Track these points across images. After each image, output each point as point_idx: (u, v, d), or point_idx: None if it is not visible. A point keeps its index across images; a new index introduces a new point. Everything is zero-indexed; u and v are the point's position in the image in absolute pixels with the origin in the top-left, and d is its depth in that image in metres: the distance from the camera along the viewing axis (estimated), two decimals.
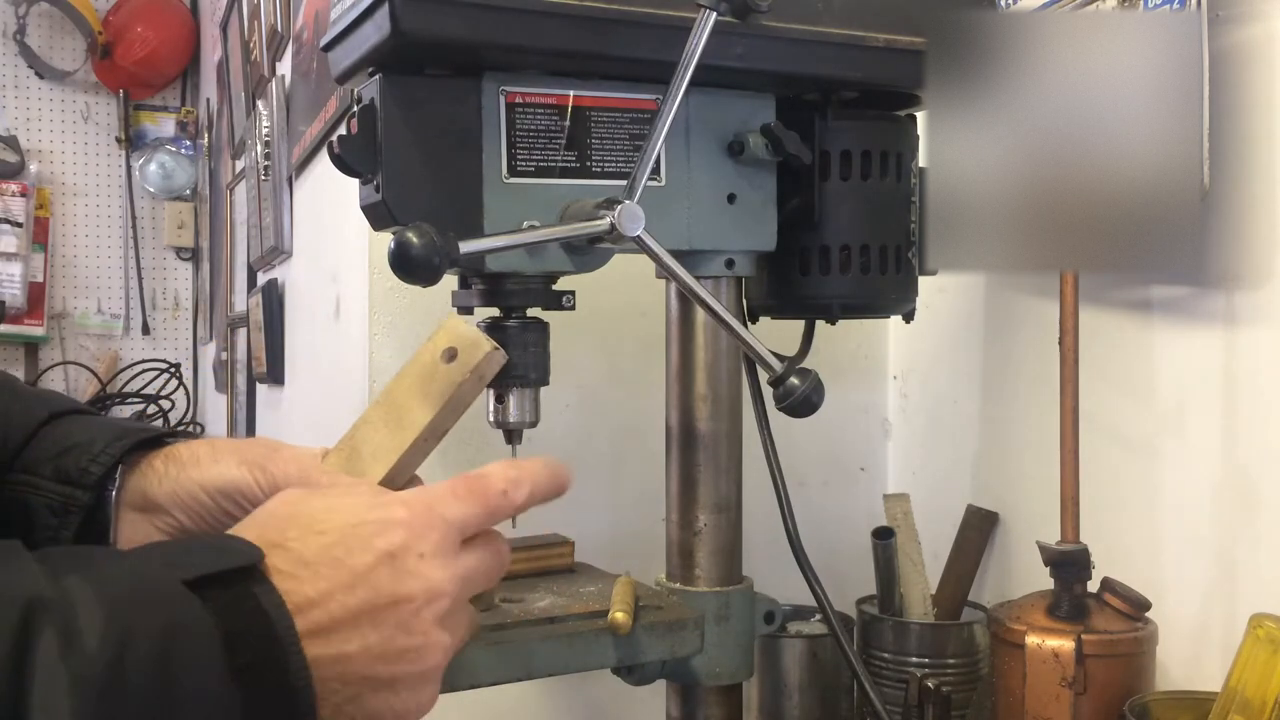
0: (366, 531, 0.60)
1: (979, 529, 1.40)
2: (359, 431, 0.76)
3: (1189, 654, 1.13)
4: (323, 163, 1.73)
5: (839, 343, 1.58)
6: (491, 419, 0.95)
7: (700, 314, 1.05)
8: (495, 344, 0.75)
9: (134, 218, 4.25)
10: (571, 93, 0.94)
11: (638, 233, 0.86)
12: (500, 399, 0.94)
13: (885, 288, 1.05)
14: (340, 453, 0.76)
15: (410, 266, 0.77)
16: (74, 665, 0.47)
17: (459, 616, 0.64)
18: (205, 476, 0.75)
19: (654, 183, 0.96)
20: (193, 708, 0.51)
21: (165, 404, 3.83)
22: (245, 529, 0.62)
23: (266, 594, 0.56)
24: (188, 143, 4.28)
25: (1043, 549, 1.06)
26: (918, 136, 1.09)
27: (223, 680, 0.52)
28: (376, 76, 0.89)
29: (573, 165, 0.94)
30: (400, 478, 0.75)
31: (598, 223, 0.86)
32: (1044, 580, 1.07)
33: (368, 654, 0.58)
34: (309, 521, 0.61)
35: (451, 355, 0.74)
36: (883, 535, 1.31)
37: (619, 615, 0.95)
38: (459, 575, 0.63)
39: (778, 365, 0.91)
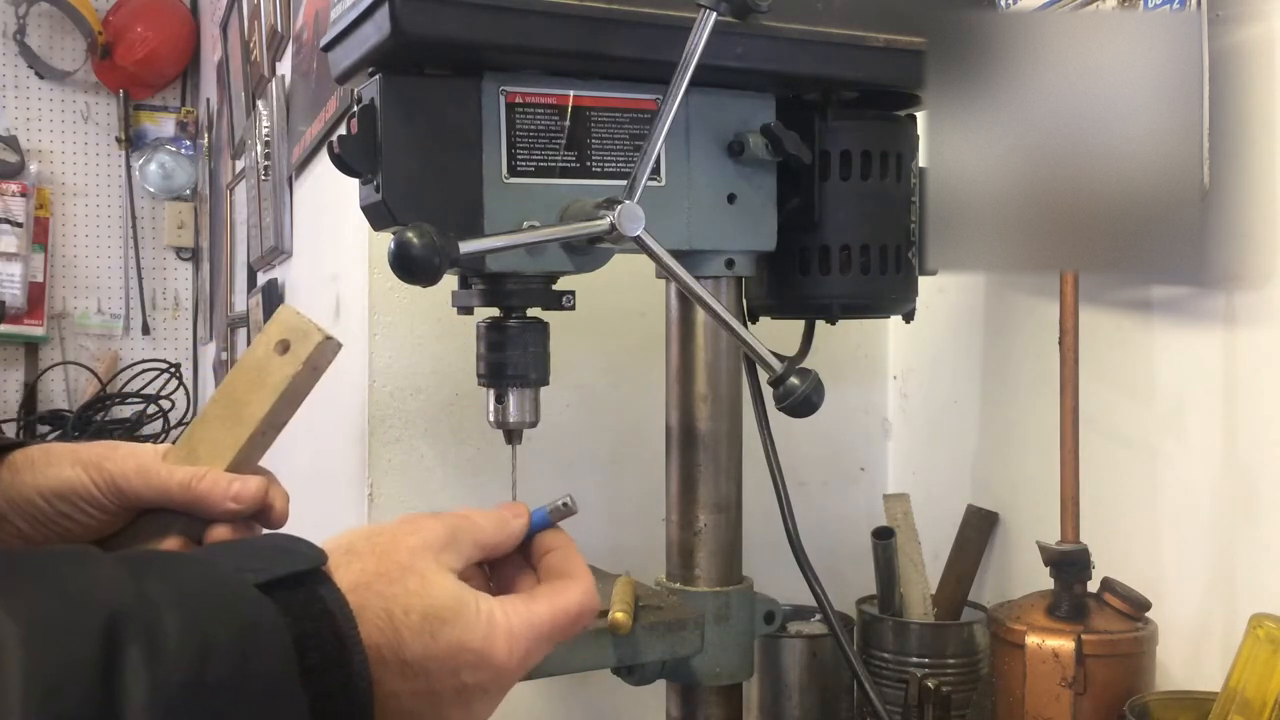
0: (466, 659, 0.62)
1: (979, 529, 1.40)
2: (197, 429, 0.76)
3: (1189, 654, 1.13)
4: (323, 163, 1.73)
5: (839, 343, 1.58)
6: (491, 419, 0.95)
7: (700, 314, 1.05)
8: (327, 334, 0.74)
9: (134, 218, 4.24)
10: (571, 93, 0.94)
11: (638, 233, 0.86)
12: (500, 399, 0.94)
13: (885, 288, 1.05)
14: (180, 451, 0.76)
15: (410, 266, 0.77)
16: (157, 670, 0.48)
17: None
18: (40, 481, 0.74)
19: (654, 183, 0.96)
20: (267, 709, 0.52)
21: (165, 404, 3.82)
22: (381, 576, 0.61)
23: (331, 594, 0.57)
24: (188, 143, 4.28)
25: (1043, 549, 1.06)
26: (918, 136, 1.09)
27: (294, 681, 0.53)
28: (376, 76, 0.89)
29: (573, 165, 0.94)
30: (241, 472, 0.75)
31: (598, 223, 0.86)
32: (1044, 580, 1.07)
33: None
34: (431, 611, 0.61)
35: (284, 347, 0.74)
36: (883, 535, 1.31)
37: (619, 615, 0.95)
38: (495, 707, 0.66)
39: (778, 365, 0.91)
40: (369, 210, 0.92)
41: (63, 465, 0.74)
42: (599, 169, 0.94)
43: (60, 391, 4.14)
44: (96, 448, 0.75)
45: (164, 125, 4.33)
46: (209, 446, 0.75)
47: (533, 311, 0.95)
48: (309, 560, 0.58)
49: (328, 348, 0.75)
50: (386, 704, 0.59)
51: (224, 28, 3.23)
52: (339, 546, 0.62)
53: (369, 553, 0.62)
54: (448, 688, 0.61)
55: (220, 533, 0.74)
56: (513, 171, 0.91)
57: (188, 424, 0.76)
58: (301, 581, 0.57)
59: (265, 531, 0.76)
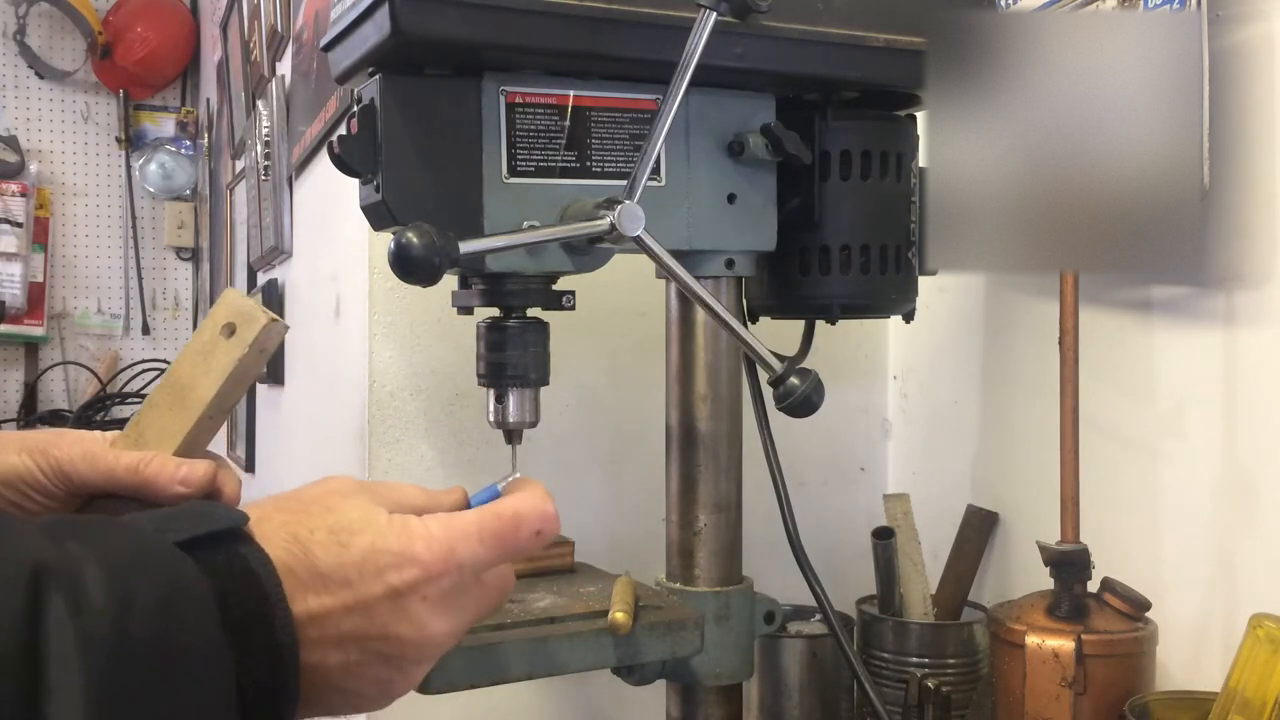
0: (383, 561, 0.61)
1: (979, 529, 1.40)
2: (145, 414, 0.76)
3: (1189, 654, 1.13)
4: (323, 163, 1.73)
5: (839, 343, 1.58)
6: (491, 419, 0.95)
7: (700, 314, 1.05)
8: (273, 316, 0.75)
9: (134, 218, 4.24)
10: (571, 93, 0.94)
11: (638, 233, 0.86)
12: (500, 399, 0.94)
13: (885, 288, 1.05)
14: (127, 436, 0.76)
15: (410, 266, 0.77)
16: (82, 623, 0.48)
17: (445, 649, 0.66)
18: None
19: (654, 183, 0.96)
20: (191, 663, 0.52)
21: None
22: (283, 511, 0.62)
23: (254, 554, 0.58)
24: (188, 143, 4.28)
25: (1043, 549, 1.06)
26: (918, 136, 1.09)
27: (217, 636, 0.53)
28: (376, 76, 0.89)
29: (573, 165, 0.94)
30: (190, 455, 0.75)
31: (598, 223, 0.86)
32: (1044, 580, 1.07)
33: (345, 670, 0.61)
34: (339, 525, 0.61)
35: (230, 330, 0.74)
36: (883, 535, 1.31)
37: (619, 615, 0.95)
38: (456, 628, 0.64)
39: (778, 365, 0.91)
40: (369, 210, 0.92)
41: (8, 452, 0.74)
42: (599, 169, 0.94)
43: (60, 391, 4.14)
44: (44, 434, 0.76)
45: (164, 125, 4.34)
46: (156, 431, 0.75)
47: (533, 311, 0.95)
48: (229, 520, 0.59)
49: (274, 330, 0.75)
50: (323, 625, 0.59)
51: (224, 28, 3.23)
52: (248, 508, 0.63)
53: (273, 505, 0.63)
54: (376, 594, 0.60)
55: None
56: (513, 171, 0.91)
57: None
58: (221, 540, 0.57)
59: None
